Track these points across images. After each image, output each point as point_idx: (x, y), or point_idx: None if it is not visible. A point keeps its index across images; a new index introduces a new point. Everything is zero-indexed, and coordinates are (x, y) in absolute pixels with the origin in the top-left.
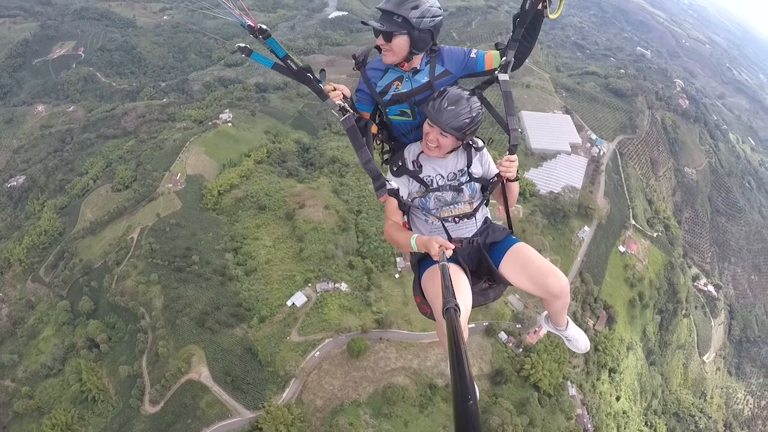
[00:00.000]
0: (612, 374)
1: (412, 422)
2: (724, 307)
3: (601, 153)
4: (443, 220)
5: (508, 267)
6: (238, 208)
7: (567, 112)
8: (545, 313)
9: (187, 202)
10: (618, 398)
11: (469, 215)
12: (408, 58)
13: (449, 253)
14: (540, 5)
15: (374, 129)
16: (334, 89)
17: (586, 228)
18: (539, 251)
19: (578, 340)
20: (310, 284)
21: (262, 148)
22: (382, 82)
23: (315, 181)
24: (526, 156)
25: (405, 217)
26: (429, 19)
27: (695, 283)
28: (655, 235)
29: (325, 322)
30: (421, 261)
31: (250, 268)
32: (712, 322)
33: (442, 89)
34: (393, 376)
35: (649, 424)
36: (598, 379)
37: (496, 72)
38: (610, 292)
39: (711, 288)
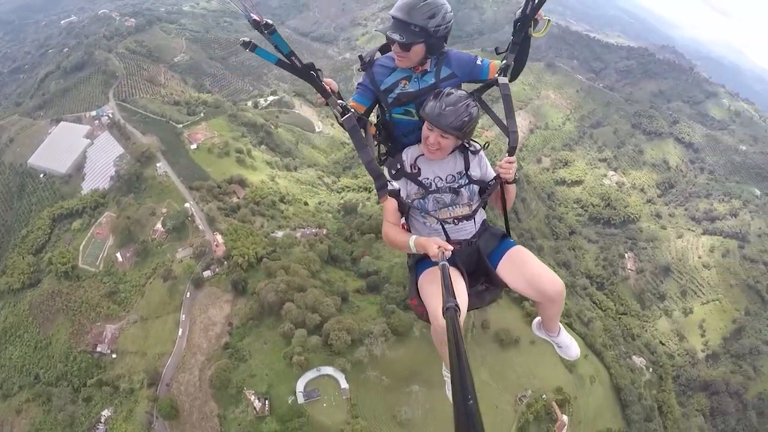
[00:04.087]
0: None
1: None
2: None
3: (112, 114)
4: (445, 221)
5: (505, 269)
6: None
7: (56, 121)
8: (537, 319)
9: None
10: None
11: (468, 217)
12: (422, 63)
13: (448, 254)
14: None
15: (372, 130)
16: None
17: (158, 164)
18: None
19: (569, 346)
20: None
21: None
22: (389, 80)
23: None
24: (67, 183)
25: (403, 218)
26: (445, 26)
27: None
28: (202, 114)
29: None
30: (419, 263)
31: None
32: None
33: (437, 91)
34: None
35: None
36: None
37: (496, 75)
38: (223, 171)
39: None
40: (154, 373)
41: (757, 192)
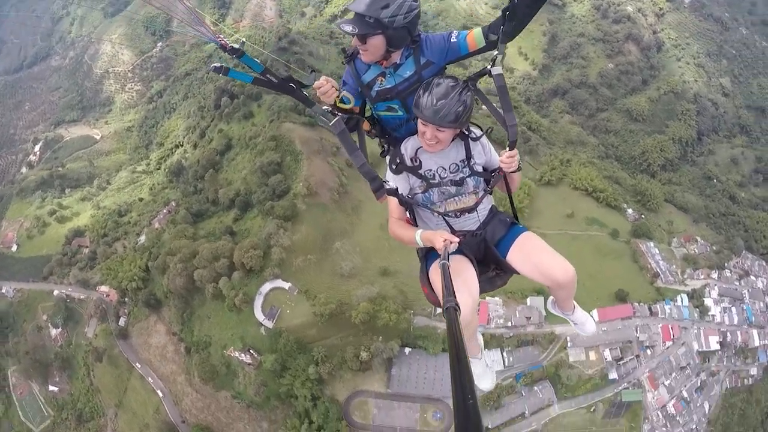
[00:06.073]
0: None
1: None
2: None
3: None
4: (446, 213)
5: (515, 256)
6: None
7: None
8: (552, 298)
9: None
10: None
11: (474, 207)
12: (386, 57)
13: (454, 246)
14: None
15: (366, 126)
16: (327, 81)
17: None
18: None
19: (584, 323)
20: None
21: None
22: (367, 76)
23: None
24: None
25: (408, 212)
26: (403, 16)
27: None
28: None
29: None
30: (429, 252)
31: None
32: None
33: (425, 83)
34: None
35: None
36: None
37: (489, 66)
38: (56, 239)
39: None
40: (166, 426)
41: None
